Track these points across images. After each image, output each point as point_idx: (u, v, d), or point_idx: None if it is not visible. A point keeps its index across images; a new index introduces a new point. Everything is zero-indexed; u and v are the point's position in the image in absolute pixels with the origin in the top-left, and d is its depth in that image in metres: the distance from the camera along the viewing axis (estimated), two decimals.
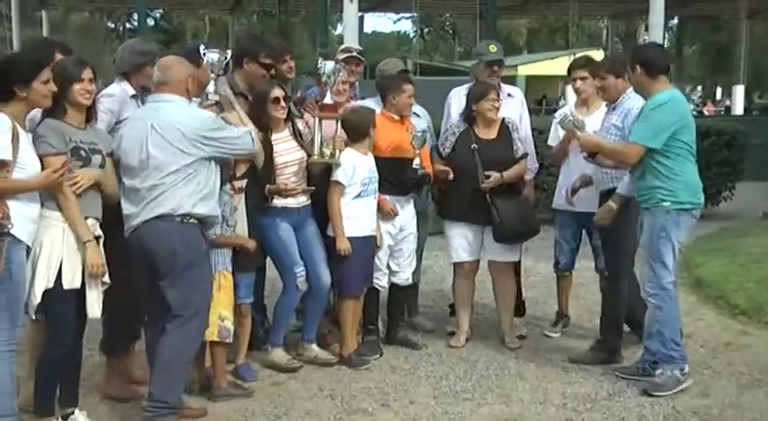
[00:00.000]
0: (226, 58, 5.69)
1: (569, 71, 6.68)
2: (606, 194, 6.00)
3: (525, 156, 6.36)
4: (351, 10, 10.50)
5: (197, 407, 5.04)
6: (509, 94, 6.74)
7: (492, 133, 6.33)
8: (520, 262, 6.78)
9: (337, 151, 5.76)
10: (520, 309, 6.82)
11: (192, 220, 4.74)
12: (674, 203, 5.46)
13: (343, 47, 6.78)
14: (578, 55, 8.79)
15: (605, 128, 5.99)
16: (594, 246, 6.61)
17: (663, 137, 5.40)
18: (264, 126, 5.65)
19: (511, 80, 20.71)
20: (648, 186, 5.51)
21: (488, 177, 6.11)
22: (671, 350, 5.50)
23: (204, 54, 5.47)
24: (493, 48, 6.73)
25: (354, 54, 6.54)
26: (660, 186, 5.47)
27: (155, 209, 4.64)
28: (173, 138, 4.63)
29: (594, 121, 6.43)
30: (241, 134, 4.97)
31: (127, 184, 4.74)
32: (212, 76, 5.46)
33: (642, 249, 5.70)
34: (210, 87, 5.49)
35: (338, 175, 5.77)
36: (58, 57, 4.90)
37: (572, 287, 7.00)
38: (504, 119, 6.39)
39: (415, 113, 6.53)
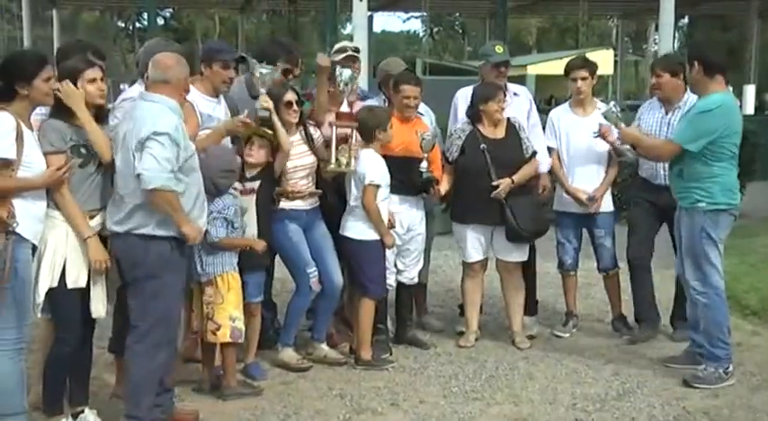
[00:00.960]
0: (276, 73, 5.74)
1: (567, 72, 6.67)
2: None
3: (534, 154, 6.36)
4: (360, 9, 10.49)
5: (190, 410, 5.01)
6: (515, 93, 6.73)
7: (499, 132, 6.32)
8: (535, 261, 6.79)
9: (353, 160, 5.76)
10: (532, 307, 6.81)
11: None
12: (709, 204, 5.51)
13: (338, 47, 6.63)
14: (584, 54, 8.75)
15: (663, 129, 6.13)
16: (597, 245, 6.63)
17: (702, 142, 5.44)
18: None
19: (520, 79, 20.69)
20: (685, 186, 5.58)
21: (496, 186, 6.10)
22: (716, 348, 5.58)
23: (254, 67, 5.57)
24: (499, 48, 6.73)
25: (350, 52, 6.46)
26: (697, 187, 5.54)
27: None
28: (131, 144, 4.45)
29: (590, 123, 6.43)
30: (158, 169, 4.37)
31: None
32: (262, 90, 5.54)
33: (685, 250, 5.71)
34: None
35: (374, 178, 5.75)
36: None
37: (580, 287, 6.99)
38: (509, 118, 6.39)
39: (419, 113, 6.53)
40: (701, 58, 5.56)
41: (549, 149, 6.68)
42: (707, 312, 5.60)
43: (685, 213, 5.63)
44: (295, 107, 5.72)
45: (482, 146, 6.21)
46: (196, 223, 4.61)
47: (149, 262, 4.51)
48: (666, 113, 6.36)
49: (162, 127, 4.40)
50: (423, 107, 6.62)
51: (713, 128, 5.44)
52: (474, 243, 6.38)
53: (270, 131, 5.47)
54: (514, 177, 6.16)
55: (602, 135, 6.27)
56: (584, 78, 6.53)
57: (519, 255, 6.41)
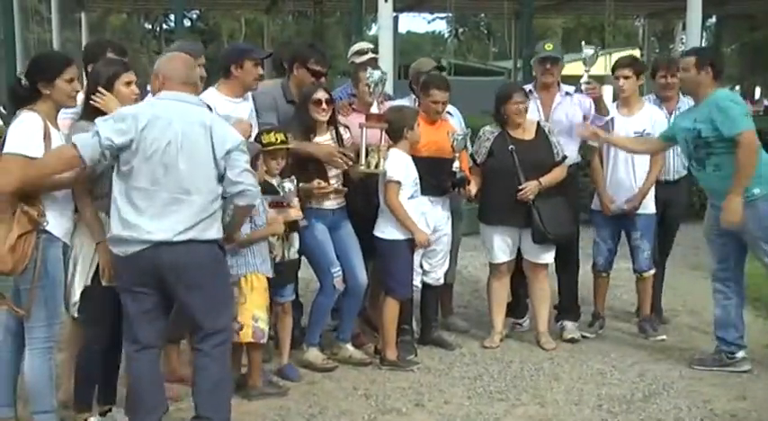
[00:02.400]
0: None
1: (614, 70, 6.66)
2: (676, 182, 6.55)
3: (564, 159, 6.33)
4: (386, 10, 10.50)
5: None
6: (566, 93, 6.70)
7: (528, 134, 6.30)
8: (578, 266, 6.82)
9: (382, 160, 5.77)
10: (575, 312, 6.79)
11: None
12: (763, 189, 5.54)
13: (356, 48, 6.68)
14: (622, 55, 8.73)
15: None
16: (633, 247, 6.59)
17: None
18: (308, 128, 5.69)
19: None
20: (727, 180, 5.52)
21: (523, 189, 6.10)
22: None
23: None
24: (549, 46, 6.73)
25: (370, 54, 6.50)
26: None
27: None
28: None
29: (636, 122, 6.41)
30: (254, 183, 4.50)
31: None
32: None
33: (756, 242, 5.68)
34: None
35: (393, 174, 5.76)
36: (110, 55, 4.97)
37: (608, 288, 6.96)
38: (538, 122, 6.37)
39: (448, 112, 6.53)
40: (713, 64, 5.65)
41: (591, 147, 6.67)
42: None
43: (747, 207, 5.51)
44: (324, 106, 5.73)
45: (510, 147, 6.20)
46: None
47: (217, 267, 4.49)
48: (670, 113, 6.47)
49: (239, 136, 4.48)
50: (453, 109, 6.64)
51: (746, 110, 5.63)
52: (501, 244, 6.37)
53: (284, 136, 5.49)
54: (542, 179, 6.15)
55: (588, 91, 6.29)
56: (626, 77, 6.50)
57: (546, 257, 6.39)
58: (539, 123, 6.37)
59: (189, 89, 4.40)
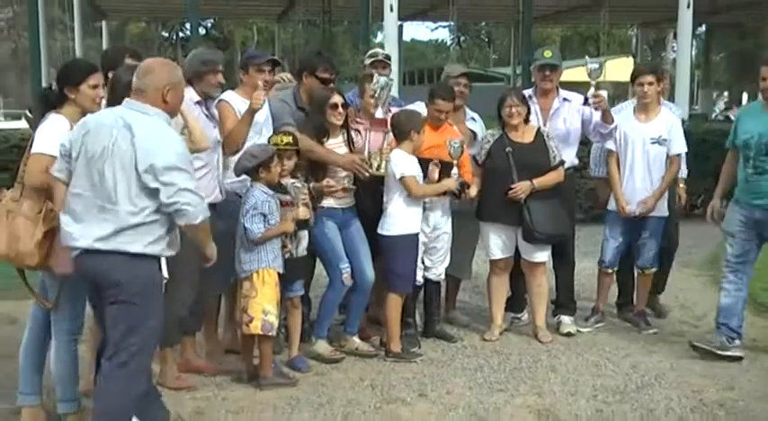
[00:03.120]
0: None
1: (634, 77, 6.61)
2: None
3: (562, 163, 6.31)
4: (391, 19, 10.52)
5: None
6: (564, 99, 6.68)
7: (527, 138, 6.29)
8: (573, 263, 6.80)
9: (383, 163, 5.77)
10: (571, 307, 6.79)
11: None
12: None
13: (370, 52, 6.77)
14: (616, 62, 8.67)
15: None
16: (640, 245, 6.62)
17: None
18: (322, 130, 5.69)
19: None
20: None
21: (513, 188, 6.09)
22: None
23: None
24: (548, 53, 6.70)
25: (380, 57, 6.52)
26: None
27: None
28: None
29: (653, 128, 6.41)
30: (198, 201, 4.01)
31: None
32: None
33: None
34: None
35: (405, 170, 5.75)
36: (128, 61, 4.97)
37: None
38: (539, 127, 6.35)
39: (471, 118, 6.63)
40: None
41: (609, 151, 6.64)
42: None
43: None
44: (340, 110, 5.74)
45: (507, 149, 6.20)
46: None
47: (137, 283, 4.00)
48: None
49: (181, 151, 4.03)
50: (474, 114, 6.71)
51: None
52: (497, 241, 6.37)
53: (291, 139, 5.49)
54: (535, 181, 6.14)
55: (594, 102, 6.23)
56: (650, 83, 6.46)
57: (540, 256, 6.38)
58: (539, 128, 6.36)
59: (137, 96, 4.06)
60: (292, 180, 5.48)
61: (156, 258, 4.07)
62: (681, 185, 6.96)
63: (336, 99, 5.73)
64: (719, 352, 5.89)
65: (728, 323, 5.98)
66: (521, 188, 6.11)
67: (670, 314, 7.15)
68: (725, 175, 6.19)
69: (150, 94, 4.04)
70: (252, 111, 5.40)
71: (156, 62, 4.25)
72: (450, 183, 5.88)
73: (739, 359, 5.85)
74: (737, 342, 5.96)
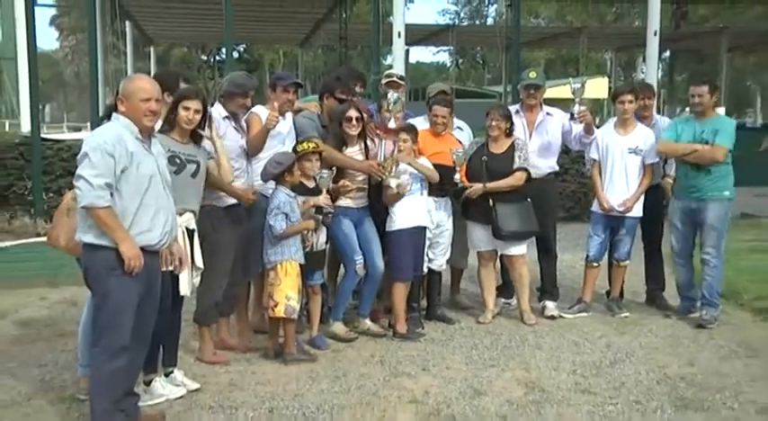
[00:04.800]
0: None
1: (616, 96, 6.59)
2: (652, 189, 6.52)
3: (521, 169, 6.19)
4: (398, 44, 10.52)
5: (154, 412, 4.40)
6: (548, 113, 6.65)
7: (501, 148, 6.24)
8: (556, 255, 6.75)
9: (393, 167, 5.76)
10: (555, 293, 6.73)
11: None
12: (731, 194, 6.20)
13: (386, 72, 6.78)
14: (593, 81, 8.59)
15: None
16: (617, 241, 6.60)
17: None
18: (341, 140, 5.68)
19: None
20: (714, 182, 6.10)
21: (469, 188, 6.09)
22: (714, 298, 6.27)
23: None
24: (533, 74, 6.68)
25: (394, 78, 6.46)
26: (724, 182, 6.15)
27: None
28: None
29: (631, 140, 6.41)
30: (91, 187, 3.77)
31: None
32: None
33: (708, 230, 6.20)
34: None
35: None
36: (183, 85, 4.97)
37: (581, 275, 6.90)
38: (513, 141, 6.29)
39: (458, 128, 6.56)
40: (717, 89, 6.27)
41: (593, 160, 6.60)
42: (716, 272, 6.21)
43: (713, 202, 6.12)
44: (354, 122, 5.71)
45: (483, 158, 6.18)
46: (151, 234, 3.99)
47: (94, 270, 3.91)
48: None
49: (91, 143, 3.84)
50: (462, 123, 6.66)
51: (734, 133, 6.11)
52: (479, 236, 6.36)
53: (314, 145, 5.48)
54: (488, 184, 6.09)
55: (580, 118, 6.29)
56: (630, 101, 6.43)
57: (516, 250, 6.33)
58: (514, 142, 6.29)
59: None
60: (321, 170, 5.46)
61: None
62: (668, 179, 6.84)
63: (351, 113, 5.71)
64: (690, 316, 6.44)
65: (689, 295, 6.49)
66: (473, 190, 6.09)
67: (639, 299, 7.10)
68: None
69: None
70: (266, 130, 5.42)
71: (138, 78, 4.22)
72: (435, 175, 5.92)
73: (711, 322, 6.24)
74: (698, 305, 6.41)
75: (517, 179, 6.17)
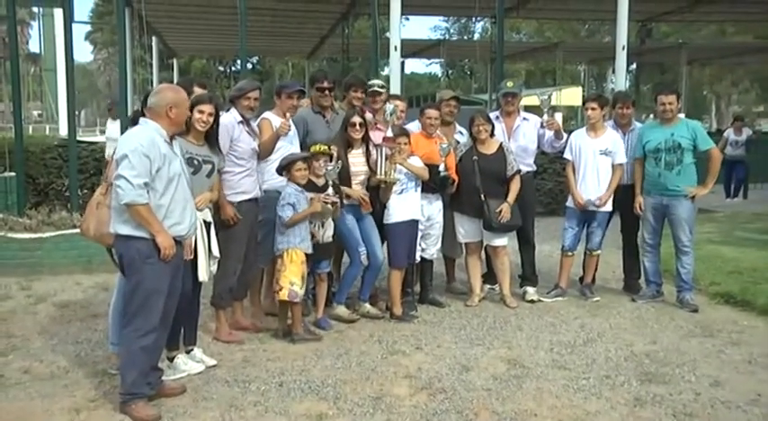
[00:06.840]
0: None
1: (584, 102, 6.62)
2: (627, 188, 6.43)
3: (518, 172, 6.21)
4: (395, 56, 10.49)
5: (176, 385, 4.36)
6: (524, 118, 6.62)
7: (490, 150, 6.22)
8: (534, 245, 6.71)
9: (392, 172, 5.72)
10: (534, 280, 6.69)
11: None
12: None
13: (369, 82, 6.50)
14: (568, 91, 8.54)
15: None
16: (590, 232, 6.57)
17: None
18: (346, 144, 5.64)
19: None
20: (683, 182, 6.11)
21: (500, 211, 6.06)
22: (689, 282, 6.27)
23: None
24: (510, 84, 6.70)
25: (375, 88, 6.25)
26: (692, 181, 6.14)
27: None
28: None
29: (601, 142, 6.39)
30: (132, 186, 3.75)
31: None
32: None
33: (680, 223, 6.16)
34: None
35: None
36: (197, 90, 4.92)
37: (557, 265, 6.86)
38: (501, 142, 6.28)
39: (459, 132, 6.55)
40: (680, 97, 6.26)
41: (567, 160, 6.56)
42: (690, 259, 6.21)
43: (684, 199, 6.12)
44: (358, 128, 5.67)
45: (474, 158, 6.14)
46: (181, 226, 3.98)
47: (130, 258, 3.91)
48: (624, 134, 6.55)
49: (129, 146, 3.80)
50: (462, 129, 6.60)
51: None
52: (467, 227, 6.33)
53: (326, 148, 5.43)
54: (509, 199, 6.12)
55: (548, 126, 6.31)
56: (593, 108, 6.39)
57: (500, 241, 6.31)
58: (501, 143, 6.28)
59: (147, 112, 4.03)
60: (329, 163, 5.39)
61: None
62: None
63: (355, 119, 5.67)
64: (655, 301, 6.40)
65: (656, 280, 6.47)
66: (505, 212, 6.06)
67: (608, 285, 7.08)
68: (639, 177, 6.41)
69: (154, 110, 3.98)
70: (277, 136, 5.41)
71: (163, 86, 4.18)
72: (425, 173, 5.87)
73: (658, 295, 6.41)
74: (663, 290, 6.46)
75: (518, 183, 6.20)
